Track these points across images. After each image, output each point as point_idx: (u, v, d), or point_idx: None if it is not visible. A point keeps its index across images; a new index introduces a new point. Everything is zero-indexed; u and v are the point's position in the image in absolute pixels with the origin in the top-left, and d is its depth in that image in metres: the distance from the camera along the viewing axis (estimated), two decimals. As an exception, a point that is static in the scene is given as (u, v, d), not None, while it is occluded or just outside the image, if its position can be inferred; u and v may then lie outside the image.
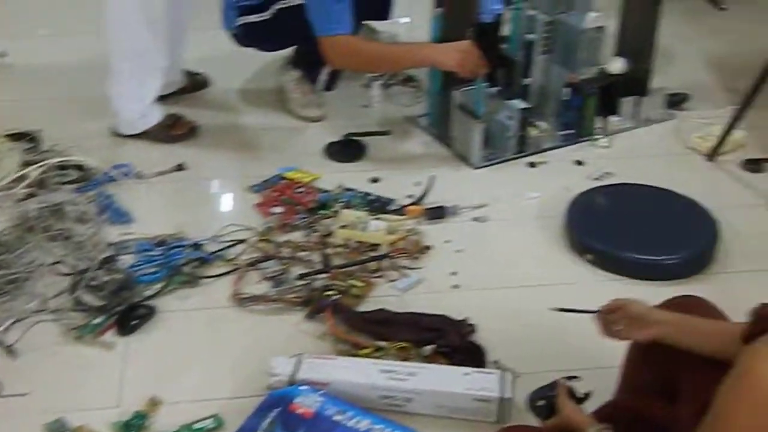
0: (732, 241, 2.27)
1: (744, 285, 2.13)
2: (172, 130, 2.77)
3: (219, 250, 2.21)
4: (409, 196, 2.46)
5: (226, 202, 2.52)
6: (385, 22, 3.14)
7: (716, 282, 2.17)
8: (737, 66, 3.16)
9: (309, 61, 2.80)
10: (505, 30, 2.80)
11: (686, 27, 3.59)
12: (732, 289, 2.10)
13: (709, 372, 1.20)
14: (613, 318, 1.58)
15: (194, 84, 3.04)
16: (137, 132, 2.74)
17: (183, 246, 2.20)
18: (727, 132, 2.65)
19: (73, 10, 3.65)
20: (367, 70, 2.94)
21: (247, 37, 2.79)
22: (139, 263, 2.15)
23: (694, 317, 1.48)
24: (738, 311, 1.24)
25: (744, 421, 1.06)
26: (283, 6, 2.63)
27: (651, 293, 1.92)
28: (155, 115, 2.75)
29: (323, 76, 2.84)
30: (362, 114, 2.92)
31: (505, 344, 1.92)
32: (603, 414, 1.58)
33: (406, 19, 3.35)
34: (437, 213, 2.38)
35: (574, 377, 1.57)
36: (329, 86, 2.88)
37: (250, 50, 2.91)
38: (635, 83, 2.83)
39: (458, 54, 2.52)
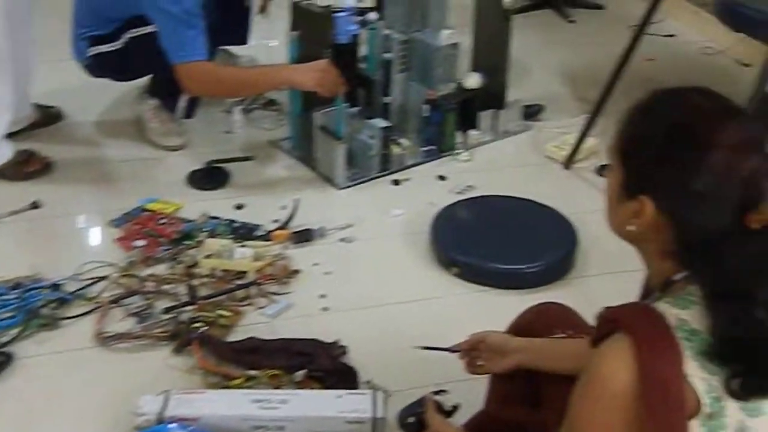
0: (590, 245, 2.35)
1: (603, 287, 2.21)
2: (25, 167, 2.66)
3: (79, 289, 2.14)
4: (275, 221, 2.45)
5: (86, 239, 2.43)
6: (243, 46, 3.13)
7: (577, 286, 2.25)
8: (588, 76, 3.30)
9: (166, 89, 2.75)
10: (362, 50, 2.82)
11: (538, 40, 3.72)
12: (592, 293, 2.19)
13: (569, 378, 1.24)
14: (475, 354, 1.62)
15: (47, 118, 2.92)
16: None
17: (40, 287, 2.12)
18: (581, 140, 2.76)
19: None
20: (226, 96, 2.92)
21: (99, 67, 2.72)
22: (-7, 309, 2.06)
23: (551, 340, 1.55)
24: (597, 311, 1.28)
25: (596, 419, 1.09)
26: (134, 35, 2.59)
27: (516, 302, 1.97)
28: (5, 153, 2.63)
29: (182, 103, 2.80)
30: (224, 140, 2.89)
31: (377, 363, 1.93)
32: (473, 425, 1.62)
33: (275, 42, 3.35)
34: (304, 236, 2.38)
35: (442, 391, 1.59)
36: (189, 113, 2.84)
37: (105, 80, 2.84)
38: (492, 97, 2.91)
39: (317, 74, 2.52)
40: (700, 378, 1.05)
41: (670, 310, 1.10)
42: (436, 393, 1.57)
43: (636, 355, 1.05)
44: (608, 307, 1.18)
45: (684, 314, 1.09)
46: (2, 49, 2.49)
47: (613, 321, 1.13)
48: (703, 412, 1.05)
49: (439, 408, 1.53)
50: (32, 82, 2.76)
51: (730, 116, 1.10)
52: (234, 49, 3.16)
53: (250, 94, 2.91)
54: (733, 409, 1.06)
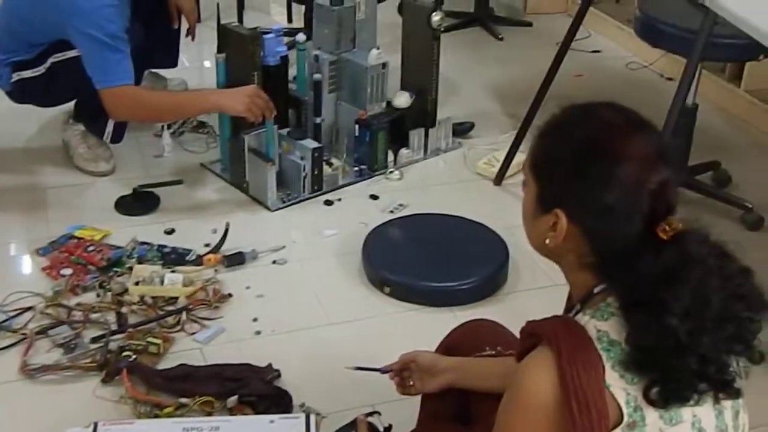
0: (521, 260, 2.38)
1: (534, 302, 2.23)
2: None
3: (4, 321, 2.09)
4: (207, 245, 2.42)
5: (11, 269, 2.37)
6: (174, 69, 3.11)
7: (508, 301, 2.27)
8: (517, 92, 3.34)
9: (91, 114, 2.71)
10: (292, 71, 2.83)
11: (468, 57, 3.77)
12: (523, 308, 2.20)
13: (499, 396, 1.26)
14: (407, 374, 1.63)
15: None
16: None
17: (-38, 320, 2.07)
18: (511, 156, 2.79)
19: None
20: (152, 121, 2.89)
21: (22, 93, 2.68)
22: None
23: (480, 360, 1.56)
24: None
25: (520, 424, 1.11)
26: (58, 59, 2.55)
27: (449, 319, 2.00)
28: None
29: (109, 127, 2.75)
30: (154, 164, 2.86)
31: (310, 386, 1.93)
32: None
33: (208, 63, 3.34)
34: (236, 259, 2.36)
35: (375, 413, 1.59)
36: (116, 138, 2.80)
37: (30, 106, 2.80)
38: (422, 115, 2.93)
39: (245, 99, 2.51)
40: (620, 388, 1.07)
41: (590, 323, 1.12)
42: (369, 414, 1.57)
43: (557, 367, 1.07)
44: (530, 321, 1.20)
45: (603, 325, 1.11)
46: None
47: (534, 335, 1.14)
48: (624, 422, 1.07)
49: (372, 429, 1.53)
50: None
51: (638, 130, 1.13)
52: (165, 71, 3.13)
53: (177, 118, 2.89)
54: (652, 417, 1.08)
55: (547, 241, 1.15)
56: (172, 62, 3.08)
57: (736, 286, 1.10)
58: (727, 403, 1.16)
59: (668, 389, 1.07)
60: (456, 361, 1.57)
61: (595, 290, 1.15)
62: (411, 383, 1.62)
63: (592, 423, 1.05)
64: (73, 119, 2.82)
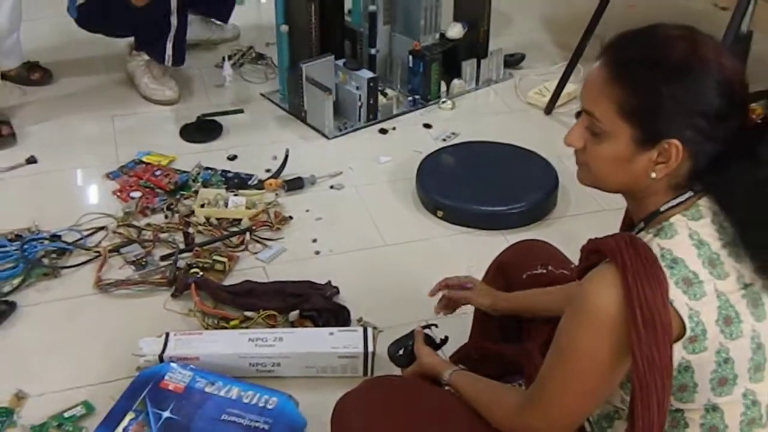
0: (570, 186, 2.36)
1: (582, 225, 2.23)
2: (30, 74, 2.80)
3: (78, 240, 2.14)
4: (267, 170, 2.44)
5: (83, 192, 2.42)
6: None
7: (558, 225, 2.26)
8: (567, 23, 3.27)
9: (150, 39, 2.71)
10: (347, 3, 2.80)
11: (519, -10, 3.69)
12: (572, 231, 2.20)
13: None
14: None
15: (41, 76, 2.89)
16: None
17: (40, 239, 2.12)
18: (561, 86, 2.75)
19: None
20: None
21: (88, 19, 2.68)
22: (-5, 260, 2.06)
23: (527, 295, 1.56)
24: (577, 249, 1.29)
25: (584, 345, 1.10)
26: None
27: (499, 242, 1.98)
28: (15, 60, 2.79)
29: (168, 50, 2.74)
30: (216, 94, 2.87)
31: (367, 302, 1.95)
32: (460, 355, 1.63)
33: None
34: (296, 184, 2.38)
35: (432, 325, 1.60)
36: (177, 60, 2.79)
37: (97, 39, 2.82)
38: (474, 47, 2.89)
39: None
40: (684, 303, 1.06)
41: (653, 241, 1.10)
42: (426, 327, 1.58)
43: (623, 282, 1.06)
44: (592, 239, 1.18)
45: (667, 243, 1.09)
46: None
47: (598, 251, 1.13)
48: (686, 336, 1.07)
49: (429, 340, 1.55)
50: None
51: (704, 36, 1.10)
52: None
53: None
54: (713, 331, 1.07)
55: (654, 174, 1.11)
56: (225, 15, 3.07)
57: None
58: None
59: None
60: (507, 296, 1.59)
61: (662, 209, 1.13)
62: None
63: (656, 337, 1.04)
64: (135, 50, 2.83)
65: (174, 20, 2.66)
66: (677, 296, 1.06)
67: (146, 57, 2.79)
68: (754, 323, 1.10)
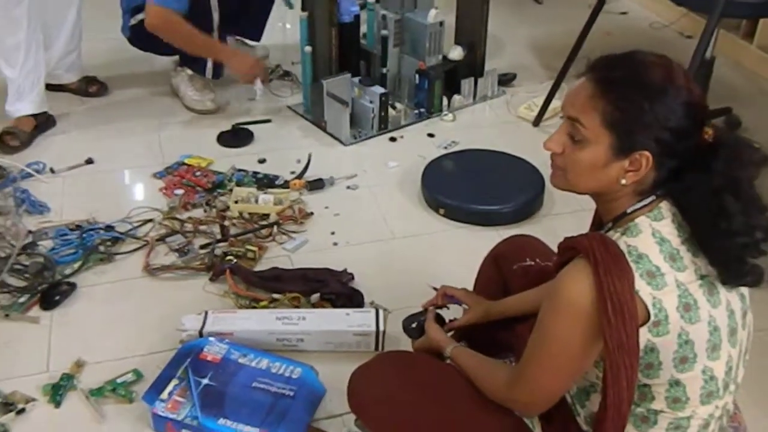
0: (555, 190, 2.28)
1: (565, 223, 2.23)
2: (88, 87, 2.83)
3: (130, 230, 2.15)
4: (292, 172, 2.44)
5: (133, 189, 2.42)
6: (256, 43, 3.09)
7: (544, 222, 2.26)
8: (553, 48, 3.25)
9: (193, 57, 2.71)
10: (363, 28, 2.80)
11: (512, 18, 3.67)
12: (556, 227, 2.20)
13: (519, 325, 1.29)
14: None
15: (96, 89, 2.90)
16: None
17: (97, 229, 2.13)
18: (547, 102, 2.74)
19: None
20: (175, 44, 2.64)
21: (139, 38, 2.67)
22: (58, 246, 2.06)
23: (504, 300, 1.56)
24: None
25: (560, 329, 1.12)
26: None
27: (492, 236, 2.00)
28: (74, 75, 2.82)
29: (209, 64, 2.73)
30: (248, 105, 2.86)
31: (378, 288, 1.95)
32: (461, 333, 1.63)
33: (289, 25, 3.33)
34: (316, 184, 2.38)
35: (443, 307, 1.61)
36: (216, 74, 2.77)
37: (144, 57, 2.83)
38: (472, 67, 2.88)
39: (246, 66, 2.69)
40: (648, 293, 1.07)
41: (621, 239, 1.11)
42: (438, 308, 1.59)
43: (594, 275, 1.06)
44: (568, 237, 1.19)
45: (632, 241, 1.10)
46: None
47: (573, 248, 1.14)
48: (650, 321, 1.07)
49: (438, 319, 1.56)
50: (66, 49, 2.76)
51: (672, 63, 1.12)
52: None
53: (191, 52, 2.69)
54: (674, 317, 1.08)
55: (624, 181, 1.11)
56: (257, 36, 3.04)
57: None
58: (737, 306, 1.15)
59: (721, 270, 1.10)
60: (497, 304, 1.58)
61: (628, 210, 1.14)
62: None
63: (624, 322, 1.05)
64: (179, 65, 2.83)
65: (215, 38, 2.66)
66: (642, 287, 1.07)
67: (189, 72, 2.79)
68: (711, 309, 1.11)
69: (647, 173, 1.11)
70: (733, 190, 1.08)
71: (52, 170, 2.42)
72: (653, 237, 1.10)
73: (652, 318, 1.07)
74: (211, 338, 1.70)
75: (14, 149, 2.49)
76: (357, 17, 2.72)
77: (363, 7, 2.77)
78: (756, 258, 1.10)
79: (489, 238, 1.94)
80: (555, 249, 1.54)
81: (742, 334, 1.17)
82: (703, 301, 1.10)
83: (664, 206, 1.13)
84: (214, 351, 1.66)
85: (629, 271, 1.07)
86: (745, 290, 1.18)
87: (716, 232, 1.09)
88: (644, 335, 1.08)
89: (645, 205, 1.13)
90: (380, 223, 2.25)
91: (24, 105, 2.54)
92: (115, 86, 2.95)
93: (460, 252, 2.09)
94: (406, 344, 1.64)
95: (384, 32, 2.72)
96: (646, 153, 1.09)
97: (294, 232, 2.18)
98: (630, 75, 1.10)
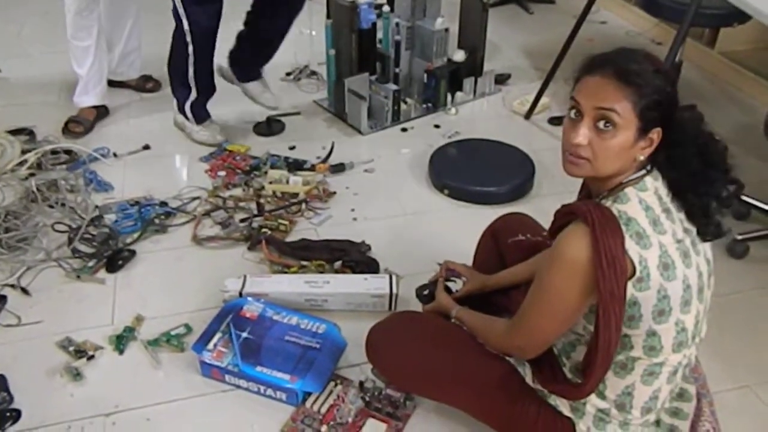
0: (544, 174, 2.33)
1: (552, 202, 2.09)
2: (145, 84, 2.80)
3: (180, 206, 2.14)
4: (318, 157, 2.42)
5: (183, 171, 2.40)
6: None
7: (534, 202, 2.23)
8: (542, 52, 3.21)
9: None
10: (379, 33, 2.76)
11: (507, 26, 3.62)
12: (544, 206, 2.14)
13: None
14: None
15: (151, 85, 2.88)
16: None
17: (153, 204, 2.12)
18: (537, 99, 2.71)
19: (59, 31, 3.41)
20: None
21: None
22: (120, 219, 2.06)
23: (501, 273, 1.55)
24: (548, 220, 1.28)
25: (559, 283, 1.11)
26: None
27: (490, 213, 1.96)
28: (135, 72, 2.77)
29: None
30: (280, 101, 2.81)
31: (392, 256, 1.94)
32: (465, 299, 1.62)
33: (314, 32, 3.28)
34: (339, 168, 2.36)
35: (454, 278, 1.59)
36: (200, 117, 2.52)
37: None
38: (473, 68, 2.84)
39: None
40: (636, 252, 1.07)
41: (613, 206, 1.10)
42: (448, 280, 1.57)
43: (591, 234, 1.06)
44: (566, 204, 1.18)
45: (623, 207, 1.10)
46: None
47: (571, 213, 1.13)
48: (635, 277, 1.07)
49: (447, 290, 1.54)
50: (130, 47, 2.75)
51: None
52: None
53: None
54: (655, 274, 1.08)
55: (641, 157, 1.10)
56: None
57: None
58: (704, 268, 1.15)
59: (699, 222, 1.13)
60: (492, 277, 1.56)
61: (623, 181, 1.12)
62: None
63: (616, 275, 1.05)
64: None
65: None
66: (631, 246, 1.07)
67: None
68: (685, 269, 1.10)
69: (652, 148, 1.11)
70: (701, 154, 1.11)
71: (115, 155, 2.41)
72: (640, 204, 1.10)
73: (638, 274, 1.07)
74: (249, 298, 1.70)
75: (78, 135, 2.50)
76: (374, 24, 2.67)
77: (379, 15, 2.72)
78: (724, 208, 1.14)
79: (486, 215, 1.90)
80: (544, 224, 1.54)
81: (708, 293, 1.18)
82: (678, 261, 1.10)
83: (648, 180, 1.13)
84: (252, 309, 1.66)
85: (621, 232, 1.07)
86: (710, 255, 1.18)
87: (698, 188, 1.11)
88: (629, 290, 1.07)
89: (634, 179, 1.12)
90: (393, 202, 2.23)
91: (89, 98, 2.56)
92: (167, 83, 2.90)
93: (462, 227, 2.07)
94: (415, 306, 1.63)
95: (397, 37, 2.68)
96: (659, 129, 1.09)
97: (319, 208, 2.16)
98: (644, 65, 1.08)
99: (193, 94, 2.43)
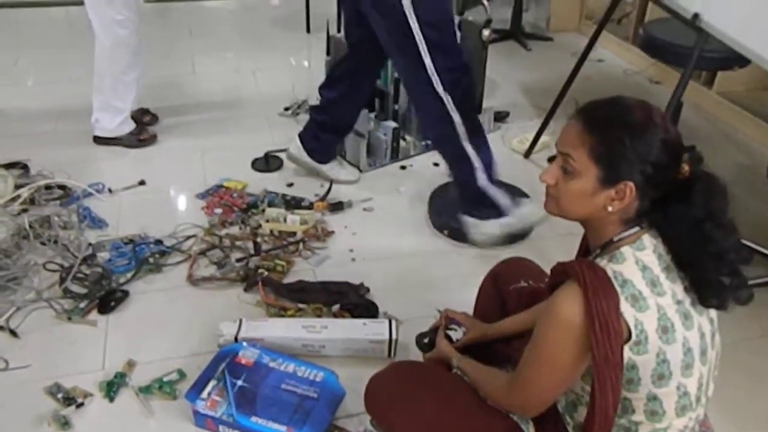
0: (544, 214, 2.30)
1: (553, 244, 2.17)
2: (138, 137, 2.70)
3: (176, 244, 2.11)
4: (316, 195, 2.40)
5: (178, 208, 2.37)
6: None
7: (535, 244, 2.20)
8: (541, 89, 3.24)
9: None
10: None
11: (506, 63, 3.64)
12: (545, 248, 2.15)
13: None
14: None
15: (148, 118, 2.87)
16: (112, 136, 2.64)
17: (147, 242, 2.09)
18: (537, 137, 2.71)
19: (54, 64, 3.43)
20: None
21: None
22: (114, 258, 2.03)
23: (500, 322, 1.50)
24: (550, 263, 1.26)
25: (552, 344, 1.08)
26: None
27: (489, 255, 1.95)
28: (128, 126, 2.67)
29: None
30: (278, 136, 2.80)
31: (391, 299, 1.91)
32: (467, 347, 1.58)
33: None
34: (337, 206, 2.34)
35: (454, 327, 1.56)
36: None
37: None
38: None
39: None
40: (631, 315, 1.04)
41: (608, 266, 1.08)
42: (448, 328, 1.54)
43: (584, 297, 1.04)
44: (560, 263, 1.16)
45: (618, 268, 1.07)
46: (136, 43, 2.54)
47: (564, 272, 1.11)
48: (632, 340, 1.04)
49: (447, 336, 1.51)
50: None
51: (653, 107, 1.10)
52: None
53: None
54: (653, 338, 1.05)
55: (610, 208, 1.09)
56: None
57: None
58: (707, 329, 1.12)
59: (701, 290, 1.08)
60: (493, 326, 1.53)
61: (615, 239, 1.11)
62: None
63: (610, 339, 1.02)
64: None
65: None
66: (626, 309, 1.04)
67: (338, 159, 2.53)
68: (685, 332, 1.08)
69: (631, 202, 1.09)
70: (711, 219, 1.06)
71: (110, 190, 2.39)
72: (636, 264, 1.08)
73: (634, 337, 1.04)
74: (244, 343, 1.66)
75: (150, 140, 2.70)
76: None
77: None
78: (732, 277, 1.08)
79: (486, 257, 1.90)
80: (546, 268, 1.52)
81: (712, 353, 1.14)
82: (678, 324, 1.07)
83: (646, 238, 1.10)
84: (247, 355, 1.62)
85: (615, 294, 1.04)
86: (714, 314, 1.15)
87: (701, 255, 1.07)
88: (626, 353, 1.05)
89: (629, 236, 1.11)
90: (392, 242, 2.20)
91: (128, 125, 2.69)
92: (164, 116, 2.91)
93: (462, 268, 2.05)
94: (415, 352, 1.60)
95: (396, 75, 2.68)
96: (630, 183, 1.07)
97: (317, 248, 2.13)
98: (613, 114, 1.09)
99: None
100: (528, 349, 1.14)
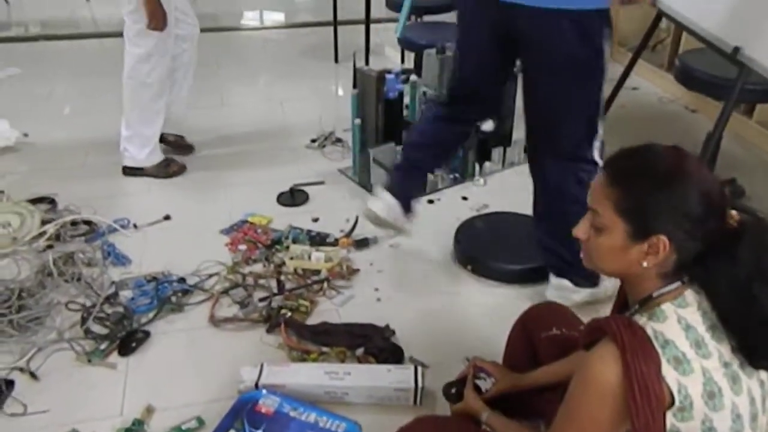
0: (576, 251, 2.23)
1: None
2: (168, 169, 2.69)
3: (198, 282, 2.08)
4: (341, 231, 2.36)
5: (202, 244, 2.33)
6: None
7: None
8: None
9: None
10: (406, 99, 2.73)
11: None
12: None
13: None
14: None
15: (183, 147, 2.88)
16: (141, 166, 2.66)
17: (170, 281, 2.07)
18: (568, 169, 2.63)
19: (88, 95, 3.48)
20: None
21: None
22: (136, 297, 2.00)
23: (530, 373, 1.45)
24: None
25: (586, 409, 1.02)
26: None
27: (514, 294, 1.88)
28: (157, 157, 2.68)
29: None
30: (304, 169, 2.79)
31: (417, 342, 1.85)
32: (496, 400, 1.51)
33: (341, 92, 3.26)
34: (363, 243, 2.29)
35: (482, 376, 1.50)
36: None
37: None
38: (501, 137, 2.79)
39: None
40: (674, 379, 0.97)
41: (648, 324, 1.01)
42: (476, 377, 1.48)
43: (622, 359, 0.97)
44: (596, 319, 1.10)
45: (659, 327, 1.00)
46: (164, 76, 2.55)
47: (600, 330, 1.04)
48: (675, 407, 0.97)
49: (476, 387, 1.45)
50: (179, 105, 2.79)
51: (687, 154, 1.03)
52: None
53: None
54: (698, 403, 0.97)
55: (645, 263, 1.03)
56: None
57: None
58: (757, 393, 1.04)
59: (749, 353, 1.00)
60: (524, 376, 1.47)
61: (654, 294, 1.04)
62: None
63: (651, 406, 0.95)
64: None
65: None
66: (669, 372, 0.97)
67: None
68: (734, 397, 0.99)
69: (667, 256, 1.02)
70: (761, 278, 0.98)
71: (135, 225, 2.38)
72: (679, 323, 1.00)
73: (677, 403, 0.96)
74: (264, 391, 1.61)
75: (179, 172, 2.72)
76: (401, 93, 2.65)
77: (406, 81, 2.71)
78: None
79: (510, 296, 1.83)
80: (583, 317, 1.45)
81: (763, 419, 1.06)
82: (726, 388, 0.99)
83: (689, 294, 1.03)
84: (268, 404, 1.57)
85: (656, 356, 0.97)
86: (765, 376, 1.06)
87: (748, 318, 0.99)
88: (669, 419, 0.97)
89: (670, 291, 1.04)
90: (419, 280, 2.15)
91: (157, 155, 2.71)
92: (199, 148, 2.92)
93: (490, 309, 1.98)
94: (441, 401, 1.54)
95: (424, 106, 2.64)
96: (663, 237, 1.00)
97: (342, 287, 2.08)
98: (639, 165, 1.03)
99: None
100: (561, 411, 1.07)
